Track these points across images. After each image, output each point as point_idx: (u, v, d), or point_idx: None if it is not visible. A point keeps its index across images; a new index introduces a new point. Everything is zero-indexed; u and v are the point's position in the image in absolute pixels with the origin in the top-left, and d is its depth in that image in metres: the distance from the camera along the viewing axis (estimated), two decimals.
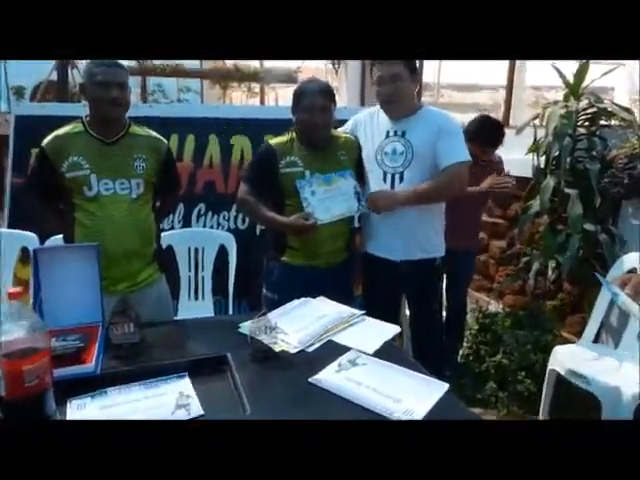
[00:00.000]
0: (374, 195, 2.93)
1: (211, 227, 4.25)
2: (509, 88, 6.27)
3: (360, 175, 3.03)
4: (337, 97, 2.97)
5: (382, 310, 2.46)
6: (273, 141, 2.95)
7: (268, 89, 13.82)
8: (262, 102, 13.43)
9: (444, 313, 3.94)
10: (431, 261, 3.07)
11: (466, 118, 4.03)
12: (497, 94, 9.65)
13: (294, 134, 2.94)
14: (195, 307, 3.88)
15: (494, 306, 5.06)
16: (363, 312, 2.41)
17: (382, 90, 2.94)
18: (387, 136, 3.01)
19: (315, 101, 2.81)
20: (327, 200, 2.81)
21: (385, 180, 2.98)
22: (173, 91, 12.04)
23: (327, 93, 2.85)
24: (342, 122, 3.23)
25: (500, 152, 4.09)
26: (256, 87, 13.10)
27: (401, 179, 2.95)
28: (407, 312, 3.29)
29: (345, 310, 2.42)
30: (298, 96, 2.86)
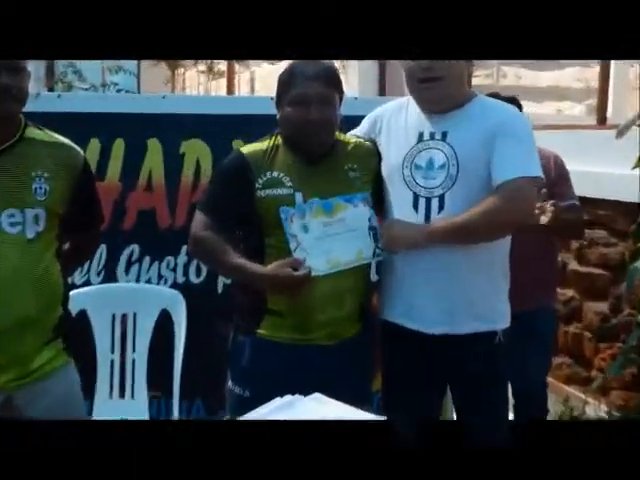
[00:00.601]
0: (389, 226, 2.15)
1: (148, 281, 3.03)
2: (605, 68, 4.44)
3: (380, 201, 2.24)
4: (344, 84, 2.25)
5: (413, 412, 2.03)
6: (247, 149, 2.21)
7: (240, 67, 9.69)
8: (230, 89, 9.63)
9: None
10: (489, 335, 2.16)
11: (544, 110, 2.89)
12: (588, 71, 6.18)
13: (279, 139, 2.19)
14: (120, 408, 2.71)
15: (593, 408, 3.79)
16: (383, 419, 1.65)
17: (419, 70, 2.10)
18: (420, 140, 2.17)
19: (310, 89, 2.06)
20: (328, 239, 2.08)
21: (416, 207, 2.13)
22: (95, 73, 7.69)
23: (329, 78, 2.11)
24: (353, 121, 2.36)
25: (570, 155, 2.92)
26: (221, 65, 9.55)
27: (441, 206, 2.10)
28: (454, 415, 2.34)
29: (358, 416, 1.57)
30: (285, 82, 2.11)
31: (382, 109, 2.37)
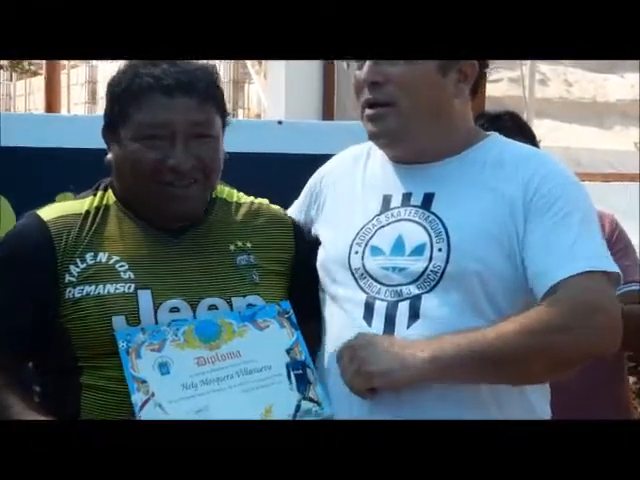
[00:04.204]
0: (358, 345, 1.27)
1: None
2: None
3: (306, 312, 1.38)
4: (263, 97, 1.73)
5: None
6: (50, 212, 1.36)
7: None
8: (51, 99, 5.87)
9: None
10: None
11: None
12: None
13: (110, 196, 1.39)
14: None
15: None
16: None
17: (361, 85, 1.39)
18: (385, 207, 1.41)
19: (176, 113, 1.29)
20: (205, 389, 1.24)
21: (370, 317, 1.34)
22: None
23: (206, 89, 1.33)
24: (276, 160, 1.74)
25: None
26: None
27: (413, 316, 1.31)
28: None
29: None
30: (125, 96, 1.32)
31: (329, 164, 1.58)
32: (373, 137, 1.41)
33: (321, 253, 1.46)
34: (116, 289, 1.28)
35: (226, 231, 1.39)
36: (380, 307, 1.33)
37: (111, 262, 1.30)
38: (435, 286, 1.31)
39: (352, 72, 1.41)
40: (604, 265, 1.29)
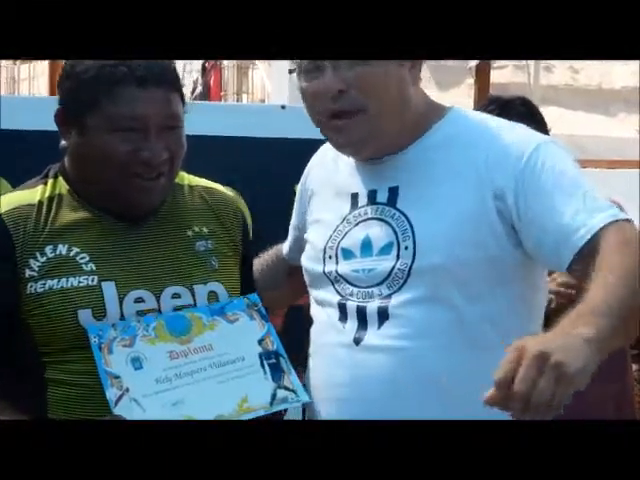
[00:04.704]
0: (543, 350, 1.00)
1: None
2: None
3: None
4: (267, 82, 1.59)
5: None
6: (2, 202, 1.30)
7: None
8: (54, 88, 5.06)
9: None
10: None
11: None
12: None
13: (62, 184, 1.33)
14: None
15: None
16: None
17: (321, 97, 1.31)
18: (353, 206, 1.39)
19: (150, 104, 1.26)
20: (179, 382, 1.23)
21: (344, 320, 1.34)
22: None
23: (170, 75, 1.31)
24: (280, 145, 1.75)
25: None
26: None
27: (384, 315, 1.31)
28: None
29: None
30: (92, 83, 1.25)
31: (311, 163, 1.56)
32: (342, 147, 1.37)
33: (303, 257, 1.47)
34: (79, 282, 1.24)
35: (183, 217, 1.37)
36: (352, 309, 1.33)
37: (72, 254, 1.26)
38: (403, 284, 1.29)
39: (300, 84, 1.34)
40: (621, 214, 1.25)
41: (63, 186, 1.32)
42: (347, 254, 1.36)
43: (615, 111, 10.05)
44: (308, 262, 1.44)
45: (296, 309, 2.00)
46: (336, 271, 1.36)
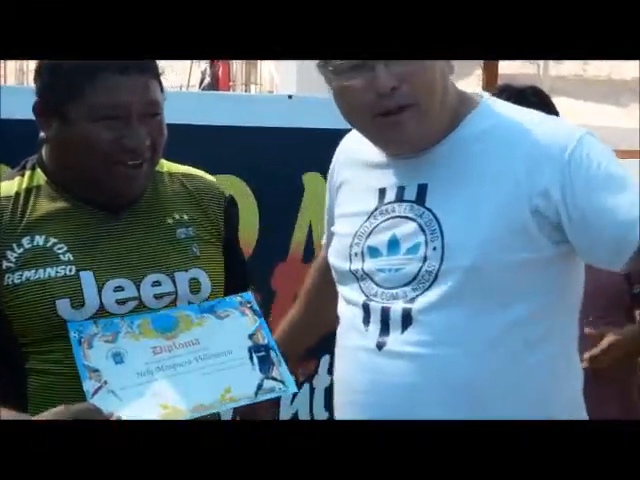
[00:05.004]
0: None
1: None
2: None
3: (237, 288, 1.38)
4: (276, 71, 1.51)
5: None
6: None
7: None
8: None
9: None
10: None
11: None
12: None
13: (39, 175, 1.32)
14: None
15: None
16: None
17: (371, 96, 1.24)
18: (380, 202, 1.33)
19: (132, 93, 1.25)
20: (160, 375, 1.21)
21: (367, 322, 1.29)
22: None
23: (150, 69, 1.29)
24: (286, 135, 1.78)
25: None
26: None
27: (407, 319, 1.25)
28: None
29: None
30: (70, 73, 1.24)
31: (339, 149, 1.49)
32: (394, 142, 1.28)
33: (330, 252, 1.41)
34: (57, 272, 1.23)
35: (163, 205, 1.35)
36: (376, 310, 1.27)
37: (49, 244, 1.25)
38: (430, 287, 1.23)
39: (339, 82, 1.27)
40: None
41: (41, 177, 1.30)
42: (374, 252, 1.29)
43: (625, 102, 9.99)
44: (335, 258, 1.38)
45: None
46: (362, 269, 1.30)
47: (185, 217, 1.34)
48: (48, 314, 1.22)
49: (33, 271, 1.23)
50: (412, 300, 1.23)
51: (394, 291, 1.26)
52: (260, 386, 1.21)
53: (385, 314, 1.25)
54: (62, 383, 1.23)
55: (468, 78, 9.58)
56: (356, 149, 1.40)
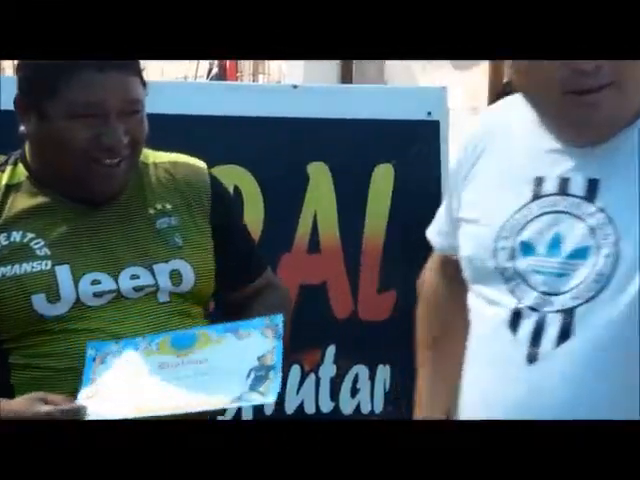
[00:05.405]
0: None
1: None
2: None
3: (235, 273, 1.41)
4: (264, 66, 1.53)
5: None
6: None
7: None
8: None
9: None
10: None
11: None
12: None
13: (21, 169, 1.33)
14: None
15: None
16: None
17: (571, 71, 1.10)
18: (537, 193, 1.17)
19: (109, 90, 1.25)
20: (147, 379, 1.24)
21: (515, 326, 1.14)
22: None
23: (128, 65, 1.29)
24: (293, 126, 1.77)
25: None
26: None
27: (565, 331, 1.10)
28: None
29: None
30: (47, 69, 1.24)
31: (485, 118, 1.39)
32: (580, 126, 1.12)
33: (463, 243, 1.25)
34: (32, 267, 1.24)
35: (145, 196, 1.33)
36: (528, 317, 1.12)
37: (26, 240, 1.26)
38: (595, 297, 1.08)
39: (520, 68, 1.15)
40: None
41: (22, 173, 1.31)
42: (528, 249, 1.14)
43: None
44: (473, 251, 1.21)
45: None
46: (513, 268, 1.15)
47: (168, 206, 1.32)
48: (25, 310, 1.23)
49: (9, 267, 1.24)
50: (572, 310, 1.09)
51: (550, 297, 1.11)
52: (239, 397, 1.18)
53: (539, 324, 1.11)
54: (47, 376, 1.25)
55: (477, 67, 9.54)
56: (504, 129, 1.25)
